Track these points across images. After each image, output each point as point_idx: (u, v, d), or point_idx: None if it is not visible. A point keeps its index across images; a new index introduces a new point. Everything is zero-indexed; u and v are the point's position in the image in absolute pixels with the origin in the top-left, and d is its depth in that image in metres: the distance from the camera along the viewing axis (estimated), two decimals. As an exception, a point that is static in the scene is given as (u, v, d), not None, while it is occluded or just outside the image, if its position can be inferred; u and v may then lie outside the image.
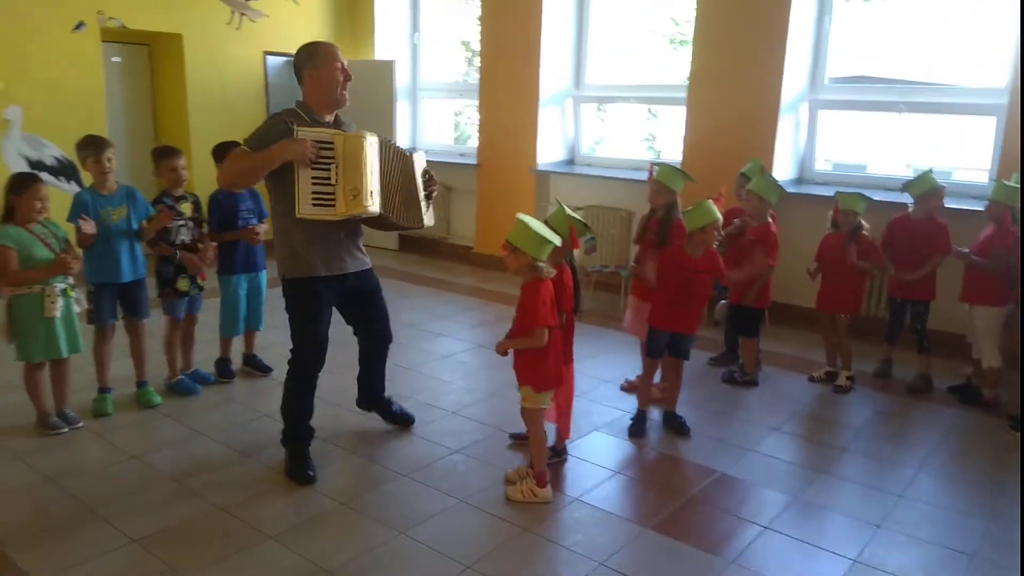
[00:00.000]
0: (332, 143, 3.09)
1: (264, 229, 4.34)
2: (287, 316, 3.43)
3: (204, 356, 4.61)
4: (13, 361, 3.76)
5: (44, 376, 3.83)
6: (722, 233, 3.94)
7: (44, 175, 4.58)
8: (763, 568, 2.91)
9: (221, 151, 4.19)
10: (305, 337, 3.41)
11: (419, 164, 3.46)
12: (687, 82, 6.41)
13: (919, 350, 4.81)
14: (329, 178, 3.08)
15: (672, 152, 7.01)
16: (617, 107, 7.96)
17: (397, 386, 4.55)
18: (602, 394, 4.57)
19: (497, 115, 7.60)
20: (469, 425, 4.08)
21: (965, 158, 6.13)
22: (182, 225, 4.23)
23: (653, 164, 4.48)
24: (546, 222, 3.31)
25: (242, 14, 7.59)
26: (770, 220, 4.61)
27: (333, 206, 3.09)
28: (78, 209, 3.85)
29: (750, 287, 4.52)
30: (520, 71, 7.29)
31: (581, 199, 7.17)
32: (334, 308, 3.54)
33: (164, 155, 4.24)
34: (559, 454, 3.69)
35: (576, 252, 3.50)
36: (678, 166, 5.33)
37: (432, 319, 5.99)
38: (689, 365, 4.17)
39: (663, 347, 4.02)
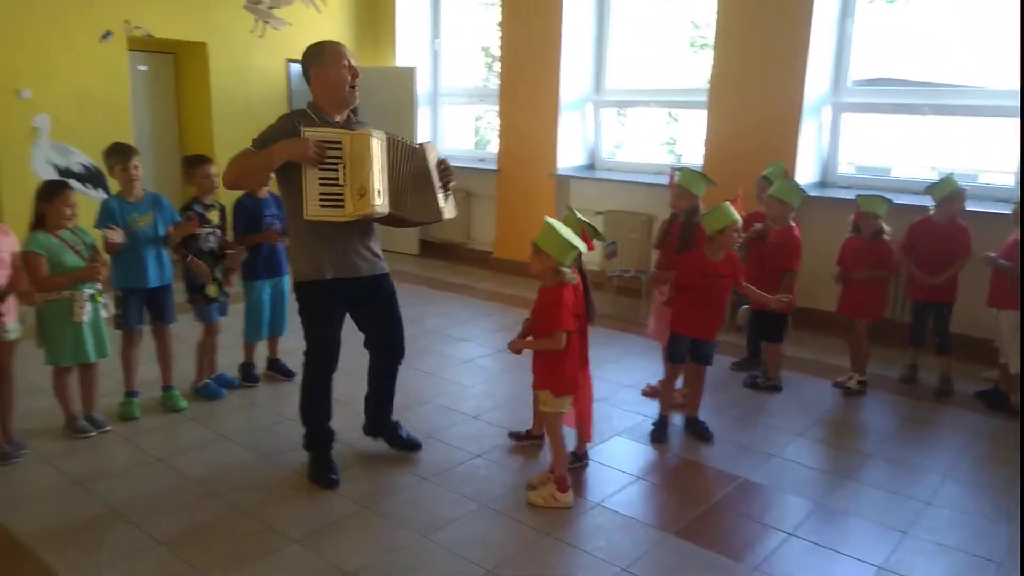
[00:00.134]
0: (340, 143, 3.03)
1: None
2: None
3: (228, 360, 4.66)
4: (42, 365, 3.82)
5: (72, 380, 3.89)
6: (742, 235, 3.92)
7: (72, 182, 4.65)
8: (787, 575, 2.89)
9: (189, 163, 4.34)
10: (314, 339, 3.41)
11: (433, 155, 3.33)
12: (708, 85, 6.39)
13: (940, 352, 4.78)
14: (337, 178, 3.01)
15: (693, 156, 6.99)
16: (637, 111, 7.95)
17: (418, 390, 4.59)
18: (623, 399, 4.56)
19: (517, 120, 7.62)
20: (490, 429, 4.08)
21: (991, 161, 6.05)
22: (210, 232, 4.29)
23: (674, 169, 4.47)
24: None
25: (265, 22, 7.68)
26: (792, 224, 4.59)
27: (342, 207, 3.03)
28: (106, 216, 3.91)
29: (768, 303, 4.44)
30: (540, 76, 7.31)
31: (601, 204, 7.17)
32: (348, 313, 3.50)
33: (196, 163, 4.30)
34: (580, 459, 3.69)
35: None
36: (699, 170, 5.32)
37: (452, 324, 6.01)
38: (711, 370, 4.15)
39: (685, 352, 4.00)
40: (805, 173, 6.08)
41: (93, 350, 3.82)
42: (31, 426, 3.90)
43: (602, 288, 6.61)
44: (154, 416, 4.17)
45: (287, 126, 3.16)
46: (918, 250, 4.73)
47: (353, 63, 3.26)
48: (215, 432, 4.00)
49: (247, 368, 4.66)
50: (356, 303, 3.43)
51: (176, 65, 7.73)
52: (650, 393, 4.57)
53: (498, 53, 7.82)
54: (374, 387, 3.69)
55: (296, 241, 3.32)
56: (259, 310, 4.54)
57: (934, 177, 4.80)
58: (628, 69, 7.55)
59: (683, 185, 4.24)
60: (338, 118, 3.29)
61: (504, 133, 7.77)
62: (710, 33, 6.43)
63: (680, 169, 4.40)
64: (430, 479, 3.54)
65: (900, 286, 5.27)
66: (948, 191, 4.60)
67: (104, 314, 3.87)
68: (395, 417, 3.80)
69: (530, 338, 3.39)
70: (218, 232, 4.33)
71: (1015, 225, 4.44)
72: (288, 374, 4.70)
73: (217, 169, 4.41)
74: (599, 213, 7.12)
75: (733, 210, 3.80)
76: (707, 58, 6.47)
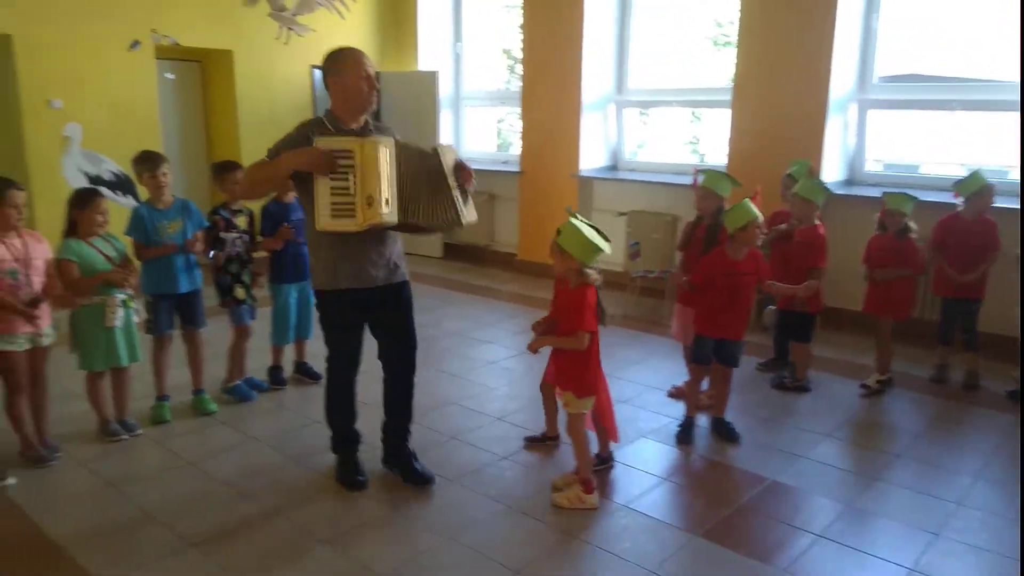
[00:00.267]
0: (351, 151, 2.94)
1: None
2: None
3: (257, 364, 4.72)
4: (75, 370, 3.90)
5: (105, 385, 3.97)
6: (764, 232, 3.88)
7: (103, 190, 4.74)
8: (816, 577, 2.87)
9: (219, 169, 4.37)
10: (333, 345, 3.41)
11: (449, 158, 3.15)
12: (732, 84, 6.36)
13: (967, 348, 4.74)
14: (348, 188, 2.93)
15: (717, 155, 6.95)
16: (660, 111, 7.93)
17: (443, 392, 4.62)
18: (648, 400, 4.55)
19: (539, 122, 7.62)
20: (515, 431, 4.09)
21: (1015, 157, 5.95)
22: (237, 237, 4.34)
23: (698, 170, 4.44)
24: (559, 230, 3.29)
25: (290, 29, 7.74)
26: (817, 222, 4.54)
27: (353, 216, 2.95)
28: (136, 223, 3.99)
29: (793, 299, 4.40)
30: (562, 77, 7.31)
31: (624, 204, 7.16)
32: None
33: (227, 169, 4.35)
34: (605, 461, 3.69)
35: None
36: (723, 170, 5.29)
37: (477, 326, 6.03)
38: (738, 371, 4.12)
39: (710, 354, 3.98)
40: (831, 171, 6.02)
41: (125, 354, 3.89)
42: (65, 430, 3.98)
43: (625, 289, 6.60)
44: (185, 420, 4.23)
45: (301, 135, 3.13)
46: (948, 247, 4.68)
47: (372, 72, 3.19)
48: (244, 435, 4.05)
49: (275, 371, 4.72)
50: (372, 310, 3.36)
51: (203, 73, 7.84)
52: (676, 395, 4.55)
53: (520, 55, 7.84)
54: (387, 407, 3.56)
55: (313, 249, 3.31)
56: (286, 313, 4.59)
57: (963, 174, 4.74)
58: (650, 69, 7.53)
59: (707, 186, 4.21)
60: (354, 125, 3.23)
61: (526, 135, 7.79)
62: (733, 31, 6.39)
63: (704, 170, 4.37)
64: (456, 481, 3.56)
65: (928, 283, 5.21)
66: (976, 187, 4.54)
67: (135, 319, 3.94)
68: (417, 435, 3.72)
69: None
70: (245, 237, 4.39)
71: None
72: (315, 377, 4.75)
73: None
74: (622, 214, 7.11)
75: (754, 207, 3.78)
76: (730, 56, 6.44)
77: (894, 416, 4.41)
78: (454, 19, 8.75)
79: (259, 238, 4.46)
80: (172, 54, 7.32)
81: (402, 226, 3.14)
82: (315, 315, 4.62)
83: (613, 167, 7.66)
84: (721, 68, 7.26)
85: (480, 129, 9.21)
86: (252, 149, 7.09)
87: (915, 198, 4.56)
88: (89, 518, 3.25)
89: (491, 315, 6.35)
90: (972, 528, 3.19)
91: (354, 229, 2.98)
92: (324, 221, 2.97)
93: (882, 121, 6.25)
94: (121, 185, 6.72)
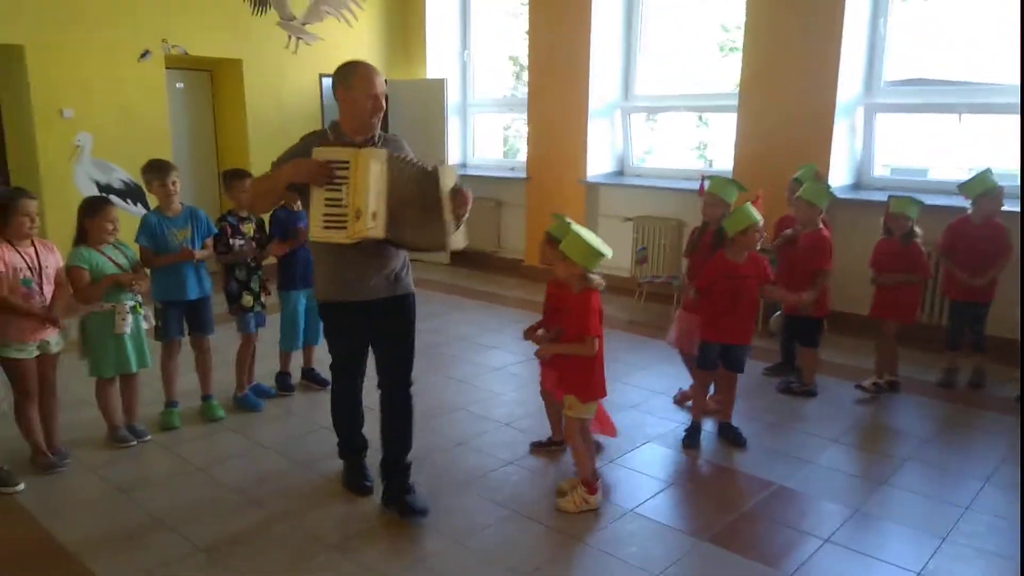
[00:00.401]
0: (348, 163, 2.89)
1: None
2: None
3: (264, 370, 4.74)
4: (85, 377, 3.93)
5: (115, 391, 4.00)
6: (763, 235, 3.89)
7: (113, 198, 4.77)
8: (823, 581, 2.87)
9: (229, 177, 4.40)
10: (335, 352, 3.40)
11: (448, 180, 2.99)
12: (738, 89, 6.36)
13: (975, 349, 4.76)
14: (341, 199, 2.89)
15: (724, 160, 6.95)
16: (667, 116, 7.94)
17: (450, 398, 4.63)
18: (655, 406, 4.55)
19: (546, 128, 7.65)
20: (521, 437, 4.10)
21: (1014, 160, 5.93)
22: (243, 244, 4.38)
23: (704, 177, 4.45)
24: (548, 232, 3.29)
25: (298, 38, 7.82)
26: (821, 225, 4.54)
27: (344, 228, 2.89)
28: (146, 230, 4.02)
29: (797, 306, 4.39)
30: (568, 83, 7.34)
31: (631, 210, 7.17)
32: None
33: (237, 177, 4.39)
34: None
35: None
36: (729, 175, 5.30)
37: (484, 332, 6.05)
38: (744, 376, 4.12)
39: (715, 359, 3.98)
40: (839, 175, 6.01)
41: (135, 361, 3.92)
42: (74, 437, 4.01)
43: (632, 294, 6.60)
44: (193, 426, 4.26)
45: (303, 147, 3.11)
46: (957, 251, 4.66)
47: (380, 91, 3.10)
48: (252, 441, 4.08)
49: (283, 377, 4.75)
50: (373, 322, 3.26)
51: (212, 82, 7.91)
52: (682, 400, 4.55)
53: (526, 62, 7.87)
54: (384, 435, 3.38)
55: (314, 259, 3.30)
56: (294, 320, 4.62)
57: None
58: (657, 74, 7.54)
59: (714, 193, 4.22)
60: (359, 138, 3.16)
61: (533, 141, 7.81)
62: (739, 36, 6.40)
63: (710, 177, 4.38)
64: (462, 486, 3.57)
65: (937, 288, 5.20)
66: (981, 188, 4.53)
67: (145, 325, 3.97)
68: (423, 441, 3.66)
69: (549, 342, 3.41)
70: (252, 244, 4.42)
71: None
72: (322, 383, 4.76)
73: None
74: (629, 219, 7.12)
75: (754, 211, 3.78)
76: (737, 61, 6.45)
77: (901, 420, 4.39)
78: (462, 27, 8.80)
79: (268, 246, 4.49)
80: (182, 63, 7.38)
81: (389, 242, 3.07)
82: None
83: (620, 173, 7.67)
84: (727, 73, 7.27)
85: (487, 136, 9.24)
86: (261, 158, 7.15)
87: (921, 202, 4.54)
88: (98, 524, 3.27)
89: (497, 321, 6.36)
90: (980, 532, 3.18)
91: (345, 241, 2.92)
92: (316, 231, 2.94)
93: (890, 125, 6.24)
94: (131, 193, 6.78)
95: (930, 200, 4.94)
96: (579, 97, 7.28)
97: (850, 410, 4.49)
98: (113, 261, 3.79)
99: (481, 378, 5.04)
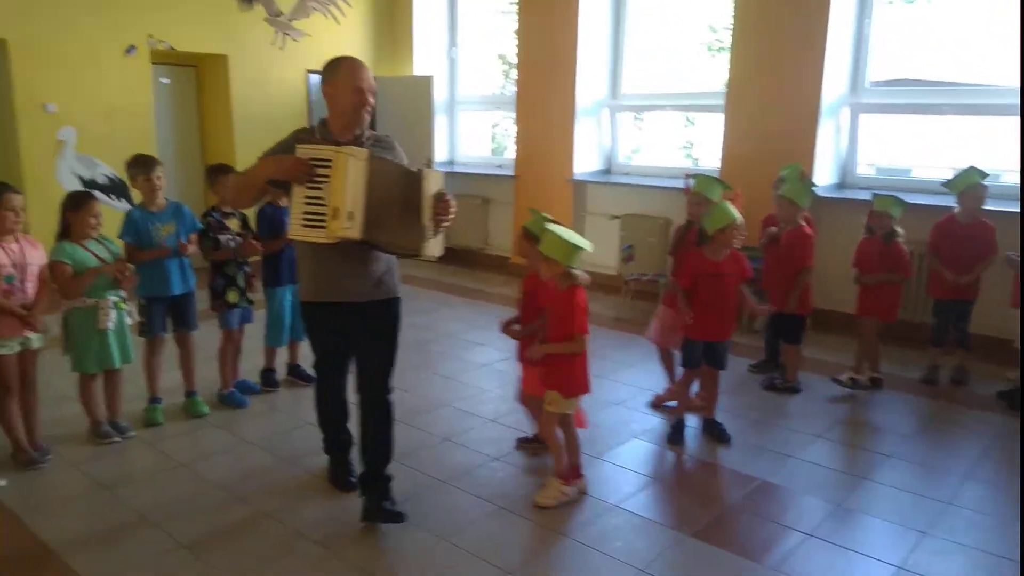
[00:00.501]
0: (330, 161, 2.80)
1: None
2: None
3: (249, 365, 4.72)
4: (68, 372, 3.90)
5: (97, 387, 3.97)
6: (744, 234, 3.90)
7: (96, 193, 4.74)
8: (805, 575, 2.88)
9: (213, 173, 4.40)
10: (317, 351, 3.37)
11: (431, 185, 2.89)
12: (725, 89, 6.39)
13: (958, 346, 4.82)
14: (321, 198, 2.80)
15: (711, 159, 6.99)
16: (654, 115, 7.96)
17: (437, 394, 4.63)
18: (640, 402, 4.56)
19: (534, 126, 7.65)
20: (508, 433, 4.10)
21: (1014, 160, 5.99)
22: (229, 239, 4.36)
23: (688, 176, 4.47)
24: (524, 227, 3.30)
25: (285, 34, 7.79)
26: (803, 223, 4.57)
27: (323, 227, 2.80)
28: (129, 226, 4.00)
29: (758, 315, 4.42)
30: (556, 82, 7.35)
31: (618, 208, 7.19)
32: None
33: (222, 172, 4.37)
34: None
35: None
36: (715, 174, 5.32)
37: (470, 329, 6.05)
38: (729, 372, 4.14)
39: (699, 357, 3.99)
40: (823, 175, 6.05)
41: (118, 356, 3.89)
42: (57, 432, 3.98)
43: (619, 292, 6.62)
44: (177, 422, 4.23)
45: (287, 144, 3.04)
46: (943, 249, 4.70)
47: (366, 86, 3.02)
48: (237, 437, 4.06)
49: (268, 373, 4.73)
50: (355, 323, 3.16)
51: (198, 77, 7.87)
52: (657, 403, 4.51)
53: (515, 60, 7.87)
54: (364, 444, 3.26)
55: (298, 257, 3.26)
56: (280, 316, 4.60)
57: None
58: (645, 73, 7.56)
59: (699, 191, 4.24)
60: (346, 136, 3.08)
61: (521, 139, 7.82)
62: (727, 36, 6.43)
63: (695, 175, 4.40)
64: (448, 482, 3.57)
65: (920, 286, 5.24)
66: (965, 185, 4.57)
67: (128, 321, 3.95)
68: (410, 437, 3.65)
69: (534, 342, 3.41)
70: (237, 239, 4.40)
71: None
72: (308, 379, 4.75)
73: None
74: (616, 217, 7.14)
75: (733, 209, 3.81)
76: (724, 61, 6.48)
77: (884, 417, 4.43)
78: (449, 24, 8.79)
79: (255, 242, 4.47)
80: (168, 59, 7.34)
81: (366, 243, 2.97)
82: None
83: (607, 171, 7.69)
84: (715, 73, 7.30)
85: (475, 133, 9.24)
86: (247, 153, 7.09)
87: (904, 202, 4.57)
88: (81, 520, 3.25)
89: (484, 318, 6.36)
90: (961, 527, 3.21)
91: (324, 240, 2.83)
92: (296, 229, 2.87)
93: (874, 125, 6.29)
94: (115, 189, 6.74)
95: (913, 199, 4.97)
96: (567, 95, 7.29)
97: (833, 406, 4.52)
98: (96, 256, 3.77)
99: (468, 374, 5.04)
